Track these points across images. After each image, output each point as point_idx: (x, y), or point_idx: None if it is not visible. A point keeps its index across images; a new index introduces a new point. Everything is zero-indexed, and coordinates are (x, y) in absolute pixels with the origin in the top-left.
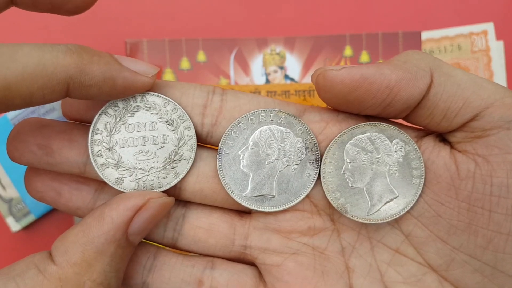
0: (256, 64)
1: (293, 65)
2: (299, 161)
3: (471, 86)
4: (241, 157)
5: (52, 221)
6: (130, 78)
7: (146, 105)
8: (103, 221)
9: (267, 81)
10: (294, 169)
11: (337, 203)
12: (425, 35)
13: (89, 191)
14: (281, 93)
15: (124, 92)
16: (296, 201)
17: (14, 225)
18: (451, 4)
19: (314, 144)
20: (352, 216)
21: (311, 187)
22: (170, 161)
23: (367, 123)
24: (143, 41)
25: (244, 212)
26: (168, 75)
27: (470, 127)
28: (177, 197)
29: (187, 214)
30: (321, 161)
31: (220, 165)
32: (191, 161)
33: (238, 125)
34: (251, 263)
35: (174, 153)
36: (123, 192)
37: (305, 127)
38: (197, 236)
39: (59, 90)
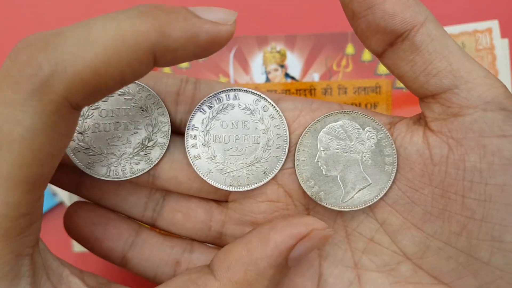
0: (256, 63)
1: (294, 63)
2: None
3: (459, 54)
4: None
5: (48, 223)
6: (212, 30)
7: (120, 90)
8: (267, 244)
9: (267, 79)
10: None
11: (312, 191)
12: None
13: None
14: (282, 92)
15: (209, 48)
16: (268, 179)
17: None
18: (455, 1)
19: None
20: (326, 204)
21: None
22: (143, 147)
23: (340, 111)
24: None
25: (221, 201)
26: None
27: (447, 100)
28: (151, 185)
29: (167, 197)
30: (295, 150)
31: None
32: (165, 148)
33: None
34: None
35: (147, 139)
36: (98, 178)
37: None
38: (175, 219)
39: (147, 61)
